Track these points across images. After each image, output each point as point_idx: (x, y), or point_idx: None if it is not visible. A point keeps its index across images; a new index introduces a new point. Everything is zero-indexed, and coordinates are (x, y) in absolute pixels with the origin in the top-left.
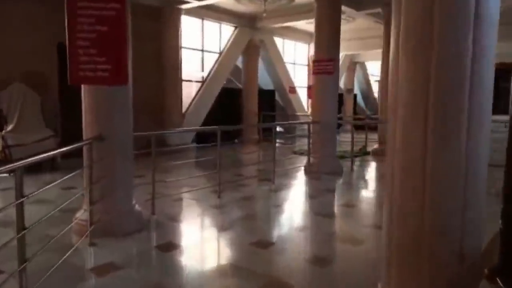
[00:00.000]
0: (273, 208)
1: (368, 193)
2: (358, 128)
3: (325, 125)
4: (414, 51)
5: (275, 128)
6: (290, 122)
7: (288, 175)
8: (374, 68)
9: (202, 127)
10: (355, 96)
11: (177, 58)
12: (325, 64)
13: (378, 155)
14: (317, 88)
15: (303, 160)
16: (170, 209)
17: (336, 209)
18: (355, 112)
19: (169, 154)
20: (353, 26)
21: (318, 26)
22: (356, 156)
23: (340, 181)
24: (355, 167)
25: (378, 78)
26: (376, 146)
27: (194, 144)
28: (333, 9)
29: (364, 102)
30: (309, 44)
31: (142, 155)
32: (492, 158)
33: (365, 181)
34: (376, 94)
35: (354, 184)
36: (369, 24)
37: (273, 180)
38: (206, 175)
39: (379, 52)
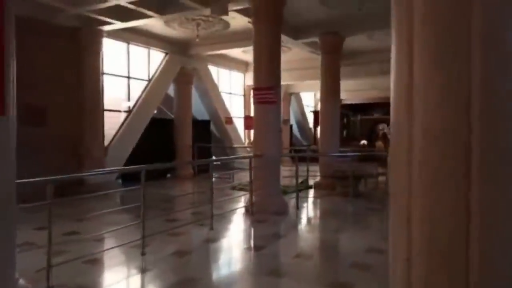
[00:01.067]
0: (212, 266)
1: (322, 236)
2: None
3: (268, 159)
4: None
5: (212, 164)
6: (231, 157)
7: (228, 217)
8: (308, 99)
9: (122, 168)
10: (291, 127)
11: (97, 85)
12: (265, 93)
13: (320, 188)
14: (258, 119)
15: (244, 197)
16: (75, 279)
17: (289, 264)
18: (291, 144)
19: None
20: (289, 57)
21: (257, 51)
22: (299, 191)
23: (288, 222)
24: (300, 204)
25: (313, 109)
26: (318, 179)
27: (118, 189)
28: (271, 36)
29: (300, 133)
30: (244, 74)
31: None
32: None
33: (315, 221)
34: (311, 125)
35: (304, 226)
36: (304, 54)
37: (211, 225)
38: (130, 225)
39: (312, 83)
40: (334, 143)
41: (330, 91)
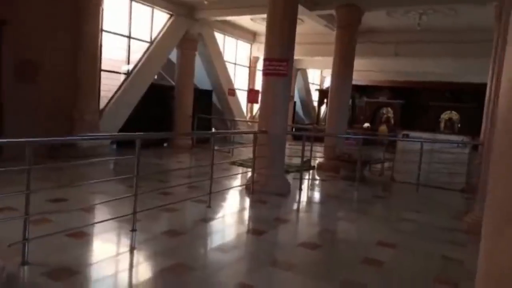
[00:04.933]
0: (207, 252)
1: (328, 225)
2: (296, 138)
3: (274, 136)
4: None
5: (214, 137)
6: (234, 131)
7: (228, 195)
8: (314, 77)
9: (115, 134)
10: (294, 104)
11: (96, 43)
12: (277, 64)
13: (323, 169)
14: (266, 93)
15: (243, 173)
16: (53, 255)
17: (294, 255)
18: (293, 121)
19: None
20: (300, 30)
21: (271, 19)
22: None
23: (290, 205)
24: (303, 186)
25: (318, 87)
26: (320, 160)
27: (111, 155)
28: (288, 3)
29: (303, 111)
30: (251, 44)
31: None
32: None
33: (320, 206)
34: (315, 103)
35: (308, 211)
36: (316, 28)
37: (209, 202)
38: (122, 198)
39: (320, 59)
40: (342, 124)
41: (342, 68)
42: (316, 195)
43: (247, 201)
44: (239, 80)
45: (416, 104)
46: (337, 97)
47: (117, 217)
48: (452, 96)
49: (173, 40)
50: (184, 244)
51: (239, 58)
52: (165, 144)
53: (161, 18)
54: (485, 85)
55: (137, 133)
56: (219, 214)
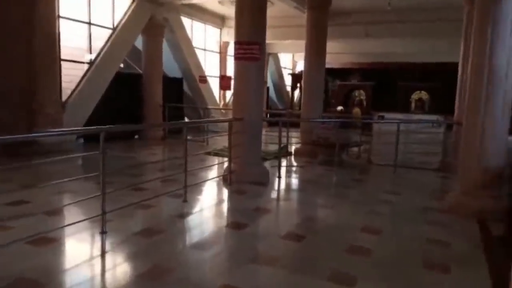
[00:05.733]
0: (186, 251)
1: (310, 212)
2: (271, 124)
3: (249, 123)
4: None
5: (186, 127)
6: (208, 120)
7: (205, 187)
8: (286, 61)
9: (77, 129)
10: (267, 89)
11: (52, 29)
12: (249, 48)
13: (301, 155)
14: (239, 78)
15: (220, 163)
16: (11, 266)
17: (278, 248)
18: (267, 107)
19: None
20: (269, 13)
21: (240, 0)
22: (277, 157)
23: (270, 194)
24: (282, 173)
25: (290, 71)
26: (298, 145)
27: (76, 151)
28: None
29: (277, 96)
30: (221, 29)
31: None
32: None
33: (300, 193)
34: (288, 88)
35: (288, 199)
36: (286, 11)
37: (185, 196)
38: (88, 198)
39: (292, 43)
40: (317, 108)
41: (315, 51)
42: (296, 182)
43: (225, 192)
44: (210, 66)
45: (387, 85)
46: (311, 81)
47: (85, 219)
48: (421, 76)
49: (138, 26)
50: (160, 244)
51: (209, 44)
52: (136, 136)
53: (124, 2)
54: (454, 64)
55: (101, 127)
56: (197, 209)
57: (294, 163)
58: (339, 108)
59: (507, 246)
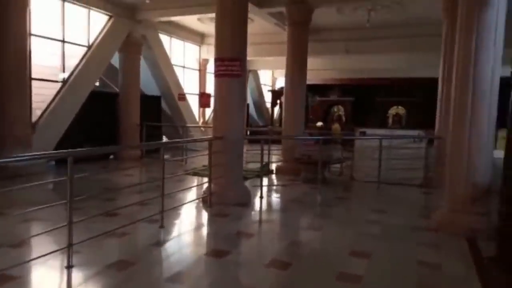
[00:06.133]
0: (165, 284)
1: (295, 235)
2: (250, 141)
3: (231, 142)
4: None
5: (164, 148)
6: (187, 140)
7: (183, 211)
8: (265, 78)
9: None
10: (247, 106)
11: (23, 47)
12: (230, 64)
13: (282, 173)
14: (219, 95)
15: (199, 184)
16: None
17: (263, 278)
18: (248, 124)
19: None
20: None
21: (220, 17)
22: (259, 176)
23: (253, 216)
24: (264, 192)
25: (270, 88)
26: (279, 163)
27: (47, 175)
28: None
29: (257, 113)
30: (200, 46)
31: None
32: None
33: (284, 214)
34: (268, 105)
35: (272, 221)
36: (266, 28)
37: (162, 222)
38: (55, 229)
39: (271, 60)
40: (299, 125)
41: (296, 67)
42: (279, 202)
43: (205, 216)
44: (189, 84)
45: (365, 101)
46: (293, 97)
47: (49, 253)
48: (398, 92)
49: (114, 44)
50: (133, 277)
51: (188, 61)
52: (111, 156)
53: (100, 20)
54: (430, 79)
55: (68, 150)
56: (174, 235)
57: (276, 182)
58: (319, 123)
59: (499, 267)
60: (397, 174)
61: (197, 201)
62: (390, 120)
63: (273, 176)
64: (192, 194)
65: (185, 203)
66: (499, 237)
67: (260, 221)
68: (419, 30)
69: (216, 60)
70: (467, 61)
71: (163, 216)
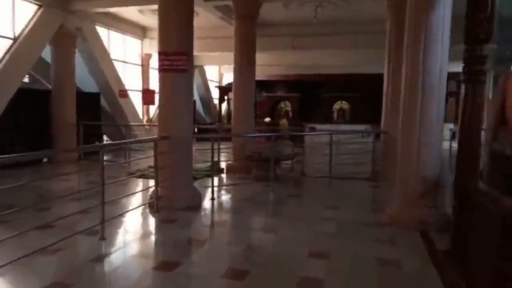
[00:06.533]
0: None
1: (251, 239)
2: (198, 139)
3: (178, 142)
4: None
5: (103, 152)
6: (130, 140)
7: (127, 218)
8: (212, 73)
9: None
10: (194, 102)
11: None
12: (175, 59)
13: (233, 171)
14: (165, 92)
15: (145, 189)
16: None
17: None
18: (195, 121)
19: None
20: (195, 23)
21: (164, 6)
22: (209, 176)
23: (204, 220)
24: (215, 193)
25: (217, 84)
26: (230, 160)
27: None
28: None
29: (204, 110)
30: (142, 40)
31: None
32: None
33: (238, 216)
34: (216, 101)
35: (225, 225)
36: (213, 21)
37: (103, 233)
38: None
39: (218, 55)
40: (249, 122)
41: (245, 62)
42: (231, 203)
43: (152, 223)
44: (131, 80)
45: (311, 96)
46: (242, 93)
47: None
48: (343, 87)
49: (44, 36)
50: None
51: (129, 56)
52: (45, 160)
53: (27, 10)
54: (373, 75)
55: None
56: (118, 247)
57: (228, 181)
58: (267, 119)
59: (454, 261)
60: (347, 168)
61: (143, 207)
62: (335, 115)
63: (224, 175)
64: (137, 199)
65: (130, 210)
66: (454, 231)
67: (212, 225)
68: (364, 28)
69: (160, 54)
70: (416, 59)
71: (104, 227)
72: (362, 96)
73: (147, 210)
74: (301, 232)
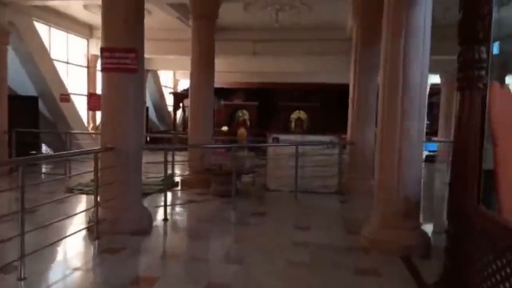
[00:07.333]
0: None
1: (214, 274)
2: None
3: (125, 154)
4: None
5: (23, 169)
6: (64, 153)
7: (58, 249)
8: (167, 79)
9: None
10: (147, 109)
11: None
12: (122, 56)
13: (189, 185)
14: (109, 95)
15: (87, 209)
16: None
17: None
18: (147, 129)
19: None
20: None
21: None
22: (161, 191)
23: (155, 248)
24: (168, 213)
25: (172, 90)
26: (186, 173)
27: None
28: None
29: (157, 117)
30: (88, 40)
31: None
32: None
33: (196, 242)
34: (170, 108)
35: (182, 254)
36: (168, 22)
37: (22, 272)
38: None
39: (172, 59)
40: (207, 131)
41: (203, 66)
42: (187, 224)
43: (90, 254)
44: (76, 83)
45: (269, 105)
46: (199, 100)
47: None
48: (300, 96)
49: None
50: None
51: (73, 57)
52: None
53: None
54: (331, 84)
55: None
56: None
57: (183, 197)
58: (225, 128)
59: None
60: (312, 181)
61: (81, 231)
62: (293, 125)
63: (179, 190)
64: (74, 223)
65: (62, 238)
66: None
67: (165, 255)
68: (326, 34)
69: (103, 50)
70: (395, 68)
71: (25, 262)
72: (322, 105)
73: (87, 235)
74: (271, 262)
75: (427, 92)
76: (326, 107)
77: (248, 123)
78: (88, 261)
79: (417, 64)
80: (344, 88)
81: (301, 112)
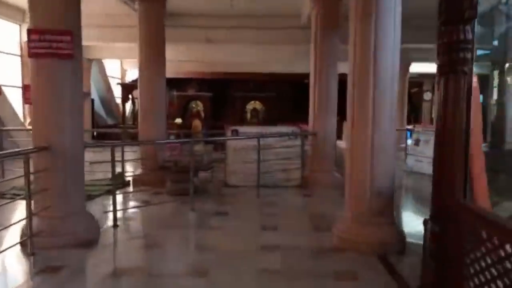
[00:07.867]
0: None
1: None
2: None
3: (62, 154)
4: None
5: None
6: None
7: None
8: (113, 69)
9: None
10: (92, 102)
11: None
12: (55, 39)
13: (142, 184)
14: (39, 85)
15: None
16: None
17: None
18: (94, 124)
19: None
20: (91, 7)
21: None
22: (110, 191)
23: (102, 264)
24: (119, 218)
25: (120, 81)
26: (138, 171)
27: None
28: None
29: (104, 110)
30: (21, 26)
31: None
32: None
33: (151, 252)
34: (118, 100)
35: (134, 268)
36: (113, 7)
37: None
38: None
39: (119, 47)
40: (160, 125)
41: (153, 54)
42: (142, 230)
43: (22, 276)
44: (8, 73)
45: (224, 96)
46: (149, 91)
47: None
48: (256, 87)
49: None
50: None
51: (4, 44)
52: None
53: None
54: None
55: None
56: None
57: (136, 198)
58: (178, 120)
59: None
60: (274, 175)
61: (14, 246)
62: (248, 115)
63: (130, 190)
64: (5, 235)
65: None
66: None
67: (116, 272)
68: (282, 22)
69: (31, 32)
70: (366, 58)
71: None
72: (278, 96)
73: (20, 251)
74: (240, 271)
75: (398, 77)
76: (282, 97)
77: (203, 114)
78: (20, 283)
79: (388, 46)
80: (300, 78)
81: (257, 102)
